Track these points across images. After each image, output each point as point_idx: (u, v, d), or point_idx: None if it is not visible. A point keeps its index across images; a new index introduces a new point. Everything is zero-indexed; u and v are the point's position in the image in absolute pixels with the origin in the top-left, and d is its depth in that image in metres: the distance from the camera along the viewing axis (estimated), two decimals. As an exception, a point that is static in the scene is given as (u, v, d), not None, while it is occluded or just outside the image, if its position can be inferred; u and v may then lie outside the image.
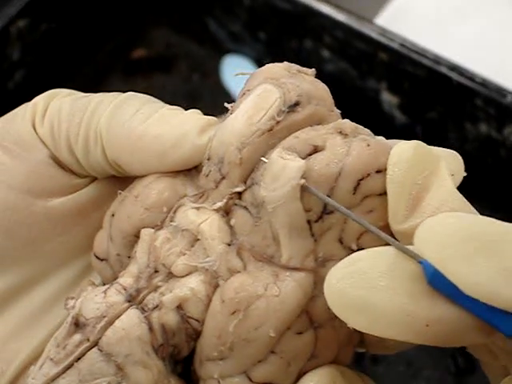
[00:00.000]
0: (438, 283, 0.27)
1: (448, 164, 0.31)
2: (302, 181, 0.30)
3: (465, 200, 0.29)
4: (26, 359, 0.35)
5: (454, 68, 0.63)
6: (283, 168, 0.30)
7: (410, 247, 0.28)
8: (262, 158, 0.31)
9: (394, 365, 0.63)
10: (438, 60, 0.64)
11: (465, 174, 0.32)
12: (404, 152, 0.30)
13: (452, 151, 0.32)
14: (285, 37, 0.71)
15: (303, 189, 0.30)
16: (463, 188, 0.31)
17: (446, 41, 0.71)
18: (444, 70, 0.63)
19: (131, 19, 0.76)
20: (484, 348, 0.31)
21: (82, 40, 0.73)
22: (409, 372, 0.62)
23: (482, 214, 0.29)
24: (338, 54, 0.68)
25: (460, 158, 0.32)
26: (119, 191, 0.35)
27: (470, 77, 0.63)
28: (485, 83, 0.63)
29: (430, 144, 0.31)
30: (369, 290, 0.27)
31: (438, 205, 0.29)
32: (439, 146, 0.31)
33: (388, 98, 0.68)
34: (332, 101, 0.33)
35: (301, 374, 0.32)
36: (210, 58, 0.76)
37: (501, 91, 0.62)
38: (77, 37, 0.73)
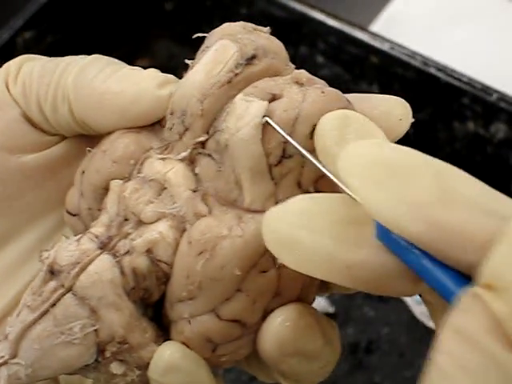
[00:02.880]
0: (386, 239, 0.27)
1: (395, 110, 0.33)
2: (265, 118, 0.32)
3: None
4: (1, 313, 0.37)
5: (442, 69, 0.65)
6: (246, 108, 0.32)
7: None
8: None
9: (388, 356, 0.63)
10: (426, 61, 0.66)
11: (413, 120, 0.33)
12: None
13: (396, 98, 0.33)
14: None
15: (265, 127, 0.32)
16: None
17: (439, 46, 0.73)
18: (432, 70, 0.65)
19: (135, 31, 0.78)
20: None
21: (87, 51, 0.75)
22: (402, 362, 0.63)
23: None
24: (331, 60, 0.70)
25: (406, 103, 0.33)
26: (88, 148, 0.36)
27: (457, 77, 0.65)
28: (471, 82, 0.64)
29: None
30: (300, 228, 0.28)
31: None
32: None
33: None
34: (287, 55, 0.35)
35: (267, 311, 0.33)
36: (210, 67, 0.77)
37: (486, 89, 0.64)
38: (82, 48, 0.74)
